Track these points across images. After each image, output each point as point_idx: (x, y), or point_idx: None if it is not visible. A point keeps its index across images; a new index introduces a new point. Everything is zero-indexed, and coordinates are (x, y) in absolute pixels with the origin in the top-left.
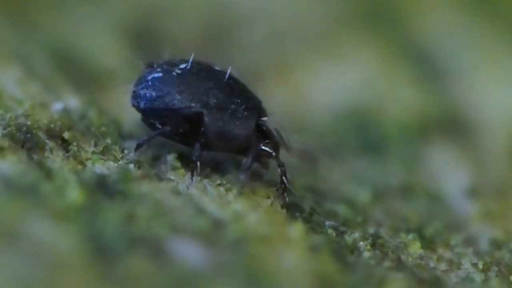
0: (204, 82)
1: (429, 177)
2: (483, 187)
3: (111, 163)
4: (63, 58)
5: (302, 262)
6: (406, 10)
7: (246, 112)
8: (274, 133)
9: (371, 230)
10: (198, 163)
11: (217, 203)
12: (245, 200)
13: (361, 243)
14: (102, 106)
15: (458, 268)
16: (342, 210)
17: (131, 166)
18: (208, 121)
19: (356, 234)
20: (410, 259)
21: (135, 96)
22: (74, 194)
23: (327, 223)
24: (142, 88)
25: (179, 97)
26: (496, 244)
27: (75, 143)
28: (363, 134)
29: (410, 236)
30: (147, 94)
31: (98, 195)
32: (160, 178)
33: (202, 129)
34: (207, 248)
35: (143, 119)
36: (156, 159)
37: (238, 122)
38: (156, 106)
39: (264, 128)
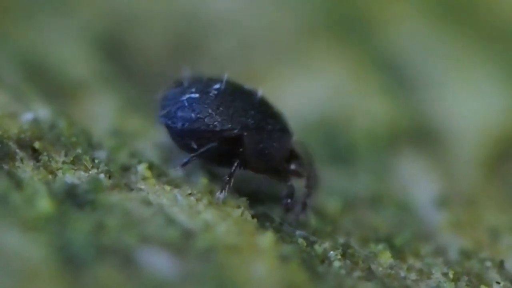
0: (241, 103)
1: (399, 187)
2: (453, 196)
3: (82, 173)
4: (33, 68)
5: (272, 272)
6: (376, 20)
7: (280, 133)
8: (303, 153)
9: (341, 240)
10: (232, 180)
11: (187, 213)
12: (215, 210)
13: (331, 252)
14: (72, 116)
15: (428, 278)
16: (312, 220)
17: (102, 176)
18: (248, 143)
19: (326, 244)
20: (380, 268)
21: (171, 117)
22: (44, 204)
23: (297, 232)
24: (178, 109)
25: (219, 119)
26: (466, 254)
27: (45, 153)
28: (333, 144)
29: (380, 246)
30: (186, 115)
31: (68, 205)
32: (130, 188)
33: (241, 149)
34: (177, 258)
35: (174, 139)
36: (126, 169)
37: (275, 143)
38: (196, 127)
39: (294, 148)
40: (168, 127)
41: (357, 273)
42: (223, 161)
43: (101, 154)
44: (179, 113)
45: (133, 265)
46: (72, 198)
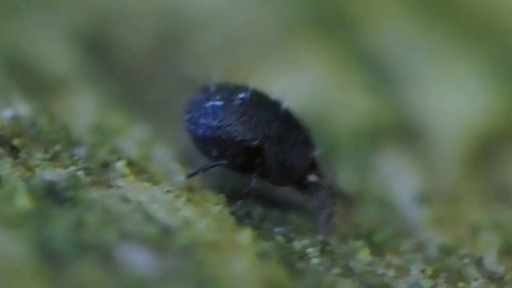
0: (265, 113)
1: (380, 184)
2: (434, 193)
3: (61, 170)
4: (14, 65)
5: (251, 269)
6: (359, 16)
7: (302, 145)
8: (323, 166)
9: (320, 237)
10: (252, 194)
11: (166, 210)
12: (194, 206)
13: (310, 249)
14: (52, 113)
15: (407, 275)
16: (291, 217)
17: (81, 172)
18: (269, 154)
19: (306, 241)
20: (359, 265)
21: (193, 123)
22: (23, 201)
23: (276, 229)
24: (201, 115)
25: (242, 128)
26: (446, 250)
27: (24, 150)
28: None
29: (359, 243)
30: (208, 122)
31: (47, 201)
32: (109, 185)
33: (260, 160)
34: (156, 255)
35: (197, 145)
36: (105, 166)
37: (296, 155)
38: (217, 135)
39: (315, 160)
40: (190, 132)
41: (335, 270)
42: (243, 170)
43: (81, 151)
44: (202, 120)
45: (113, 261)
46: (51, 195)
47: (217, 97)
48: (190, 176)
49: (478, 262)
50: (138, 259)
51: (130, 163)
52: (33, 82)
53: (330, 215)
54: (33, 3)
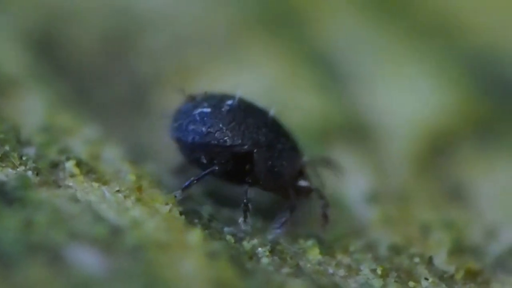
0: (253, 120)
1: (330, 183)
2: (384, 192)
3: (10, 170)
4: None
5: (200, 269)
6: (309, 15)
7: (291, 152)
8: (311, 173)
9: (270, 237)
10: (250, 205)
11: (115, 210)
12: (144, 206)
13: (259, 249)
14: (1, 113)
15: (357, 274)
16: (241, 216)
17: (30, 173)
18: (259, 159)
19: (255, 241)
20: (309, 265)
21: (182, 130)
22: None
23: (226, 229)
24: (190, 122)
25: (231, 134)
26: (396, 250)
27: None
28: None
29: (309, 242)
30: (197, 129)
31: None
32: (58, 185)
33: (249, 166)
34: (105, 255)
35: (185, 153)
36: (54, 166)
37: (285, 162)
38: (206, 141)
39: (303, 167)
40: (178, 140)
41: (285, 270)
42: (233, 178)
43: (30, 151)
44: (191, 127)
45: (62, 261)
46: (0, 195)
47: (205, 104)
48: (185, 189)
49: (429, 262)
50: (87, 259)
51: (80, 163)
52: None
53: (324, 216)
54: None
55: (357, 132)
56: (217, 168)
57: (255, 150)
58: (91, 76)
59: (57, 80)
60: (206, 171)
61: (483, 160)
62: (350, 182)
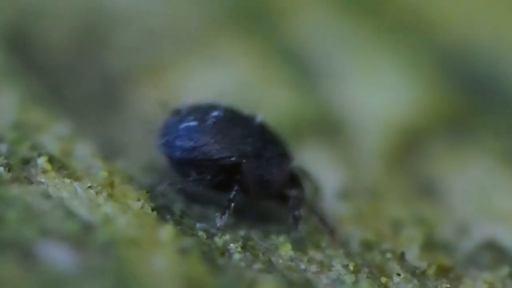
0: (240, 129)
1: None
2: (355, 188)
3: None
4: None
5: (171, 265)
6: (281, 11)
7: (279, 158)
8: (303, 177)
9: (242, 233)
10: (232, 204)
11: (87, 206)
12: (115, 203)
13: (231, 245)
14: None
15: (329, 270)
16: (213, 212)
17: (1, 169)
18: (246, 171)
19: (227, 236)
20: (280, 261)
21: (169, 146)
22: None
23: (198, 225)
24: (176, 138)
25: (218, 147)
26: (367, 246)
27: None
28: None
29: (281, 238)
30: (183, 144)
31: None
32: (30, 181)
33: (238, 177)
34: (76, 252)
35: (175, 167)
36: (26, 162)
37: (274, 170)
38: (194, 156)
39: (294, 173)
40: (167, 156)
41: (257, 266)
42: (222, 188)
43: (2, 147)
44: (177, 143)
45: (33, 258)
46: None
47: (191, 118)
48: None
49: (401, 257)
50: (58, 255)
51: (51, 159)
52: None
53: (322, 220)
54: None
55: (329, 128)
56: (203, 178)
57: (243, 161)
58: (63, 72)
59: (29, 76)
60: (193, 179)
61: (455, 156)
62: (322, 178)
